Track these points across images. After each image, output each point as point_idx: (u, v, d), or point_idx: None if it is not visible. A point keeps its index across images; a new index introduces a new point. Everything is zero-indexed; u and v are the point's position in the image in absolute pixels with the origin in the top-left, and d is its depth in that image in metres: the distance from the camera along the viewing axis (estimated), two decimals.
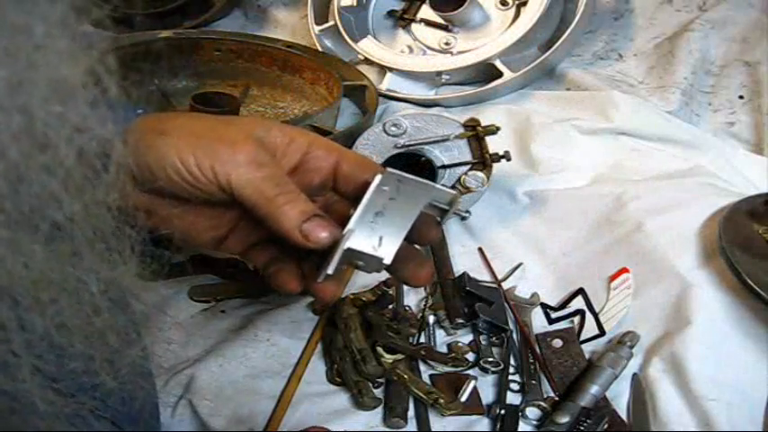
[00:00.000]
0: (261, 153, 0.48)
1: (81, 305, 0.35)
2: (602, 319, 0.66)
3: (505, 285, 0.71)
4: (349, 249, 0.45)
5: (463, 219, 0.76)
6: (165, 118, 0.49)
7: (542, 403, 0.58)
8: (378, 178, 0.47)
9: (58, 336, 0.34)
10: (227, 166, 0.46)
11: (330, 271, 0.46)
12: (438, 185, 0.49)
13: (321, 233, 0.46)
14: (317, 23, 1.06)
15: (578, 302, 0.68)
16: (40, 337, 0.34)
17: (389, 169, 0.47)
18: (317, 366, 0.61)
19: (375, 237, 0.46)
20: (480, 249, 0.76)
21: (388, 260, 0.46)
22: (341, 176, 0.51)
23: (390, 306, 0.66)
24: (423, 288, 0.69)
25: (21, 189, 0.31)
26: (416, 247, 0.53)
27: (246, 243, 0.53)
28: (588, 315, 0.67)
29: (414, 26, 1.05)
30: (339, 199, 0.54)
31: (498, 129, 0.75)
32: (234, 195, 0.46)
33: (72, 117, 0.32)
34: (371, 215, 0.46)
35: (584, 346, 0.64)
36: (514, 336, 0.65)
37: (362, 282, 0.71)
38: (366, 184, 0.48)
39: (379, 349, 0.61)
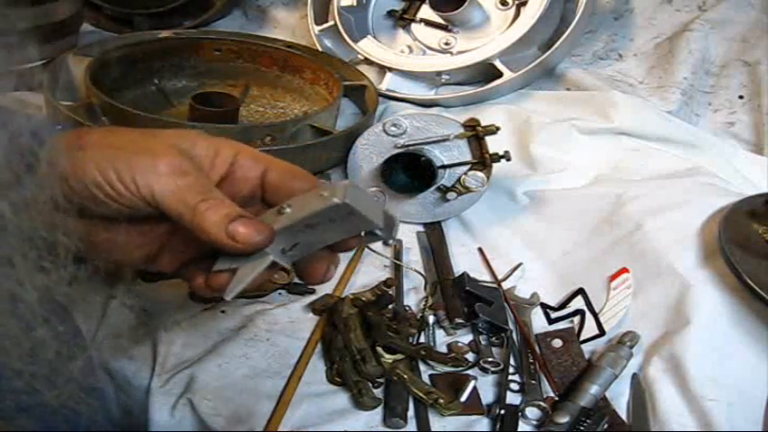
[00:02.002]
0: (183, 162, 0.46)
1: (15, 318, 0.34)
2: (601, 319, 0.66)
3: (505, 285, 0.71)
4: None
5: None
6: (83, 133, 0.48)
7: (542, 403, 0.58)
8: (333, 204, 0.44)
9: None
10: (148, 177, 0.45)
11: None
12: (383, 219, 0.47)
13: (250, 233, 0.45)
14: (317, 23, 1.06)
15: (578, 302, 0.68)
16: None
17: (345, 201, 0.43)
18: (317, 366, 0.61)
19: (290, 242, 0.46)
20: (480, 249, 0.76)
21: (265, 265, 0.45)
22: (269, 185, 0.50)
23: (390, 306, 0.66)
24: (423, 288, 0.69)
25: None
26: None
27: (180, 260, 0.52)
28: (588, 315, 0.67)
29: (414, 26, 1.05)
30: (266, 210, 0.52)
31: (498, 129, 0.75)
32: (159, 207, 0.45)
33: None
34: (303, 226, 0.45)
35: (584, 346, 0.64)
36: (514, 336, 0.65)
37: (362, 282, 0.71)
38: (296, 192, 0.47)
39: (379, 349, 0.61)
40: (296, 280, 0.69)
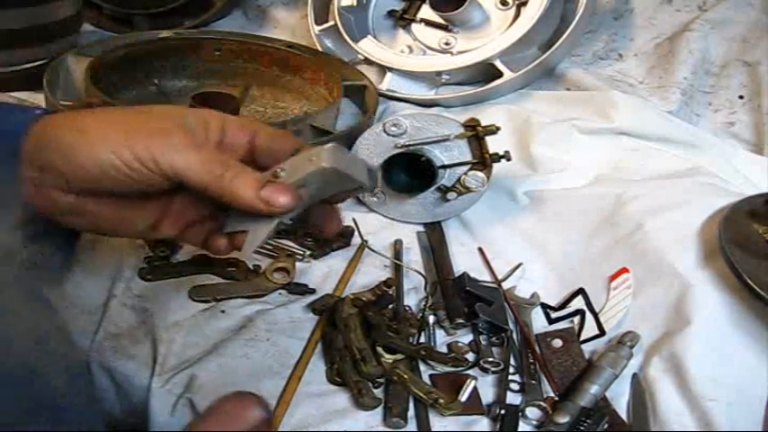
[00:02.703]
0: (194, 136, 0.48)
1: None
2: (602, 319, 0.66)
3: (505, 285, 0.71)
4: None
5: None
6: (79, 116, 0.49)
7: (542, 403, 0.58)
8: (321, 168, 0.48)
9: None
10: (168, 154, 0.46)
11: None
12: (367, 174, 0.51)
13: (281, 197, 0.47)
14: (317, 23, 1.07)
15: (578, 302, 0.68)
16: None
17: (332, 165, 0.48)
18: (317, 366, 0.61)
19: None
20: (480, 249, 0.76)
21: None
22: (258, 150, 0.52)
23: (390, 306, 0.66)
24: (423, 288, 0.69)
25: None
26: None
27: (181, 224, 0.53)
28: (588, 315, 0.67)
29: (414, 26, 1.05)
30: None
31: (498, 129, 0.75)
32: (181, 181, 0.47)
33: None
34: (297, 186, 0.48)
35: (584, 346, 0.64)
36: (514, 336, 0.65)
37: (363, 282, 0.71)
38: (284, 152, 0.50)
39: (379, 349, 0.61)
40: (296, 280, 0.70)
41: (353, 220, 0.76)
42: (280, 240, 0.74)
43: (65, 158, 0.45)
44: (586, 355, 0.63)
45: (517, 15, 0.98)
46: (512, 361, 0.63)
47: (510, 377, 0.61)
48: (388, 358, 0.60)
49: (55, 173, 0.45)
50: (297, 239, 0.74)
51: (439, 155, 0.77)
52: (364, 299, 0.65)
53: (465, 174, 0.76)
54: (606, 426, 0.56)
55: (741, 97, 0.94)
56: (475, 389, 0.58)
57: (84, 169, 0.45)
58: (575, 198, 0.80)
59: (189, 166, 0.46)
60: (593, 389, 0.58)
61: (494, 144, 0.76)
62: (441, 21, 1.02)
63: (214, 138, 0.51)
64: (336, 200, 0.54)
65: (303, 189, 0.48)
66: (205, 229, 0.53)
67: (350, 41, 1.02)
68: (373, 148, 0.78)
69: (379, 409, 0.57)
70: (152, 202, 0.52)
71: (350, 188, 0.51)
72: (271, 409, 0.45)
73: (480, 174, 0.75)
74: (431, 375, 0.61)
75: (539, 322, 0.68)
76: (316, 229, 0.54)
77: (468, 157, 0.77)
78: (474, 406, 0.58)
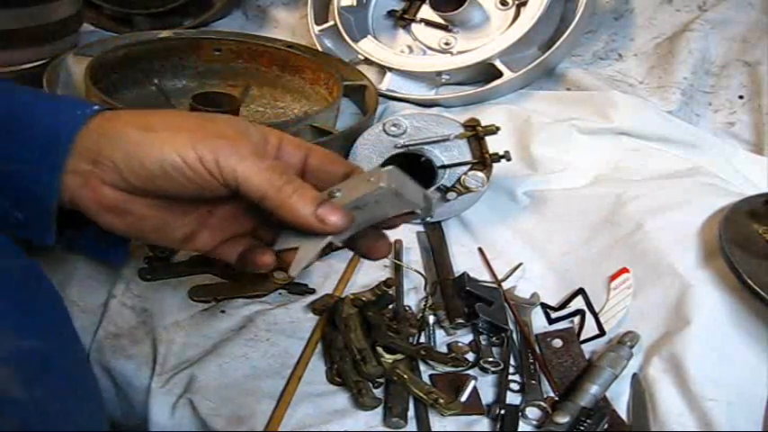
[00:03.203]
0: (257, 147, 0.49)
1: None
2: (602, 319, 0.66)
3: (505, 285, 0.71)
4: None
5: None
6: (144, 115, 0.49)
7: (542, 403, 0.58)
8: (379, 188, 0.48)
9: None
10: (231, 160, 0.46)
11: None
12: (423, 199, 0.51)
13: (334, 217, 0.47)
14: (317, 23, 1.06)
15: (578, 302, 0.68)
16: None
17: (391, 186, 0.48)
18: (317, 366, 0.61)
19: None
20: (480, 249, 0.76)
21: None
22: (310, 170, 0.52)
23: (390, 306, 0.66)
24: (423, 288, 0.69)
25: None
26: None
27: (217, 239, 0.53)
28: (588, 315, 0.67)
29: (414, 26, 1.05)
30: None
31: (498, 129, 0.75)
32: (239, 188, 0.46)
33: None
34: (352, 207, 0.48)
35: (584, 346, 0.64)
36: (514, 336, 0.65)
37: (363, 282, 0.71)
38: (335, 175, 0.51)
39: (379, 349, 0.61)
40: (296, 280, 0.70)
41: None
42: None
43: (127, 154, 0.45)
44: (586, 355, 0.63)
45: (517, 15, 0.98)
46: (512, 361, 0.63)
47: (510, 377, 0.61)
48: (388, 358, 0.60)
49: (111, 167, 0.45)
50: None
51: (439, 155, 0.77)
52: (364, 299, 0.65)
53: (465, 174, 0.76)
54: (606, 426, 0.56)
55: (741, 97, 0.94)
56: (475, 389, 0.58)
57: (143, 167, 0.45)
58: (575, 198, 0.80)
59: (251, 174, 0.46)
60: (593, 389, 0.58)
61: (494, 144, 0.76)
62: (441, 21, 1.02)
63: (272, 153, 0.51)
64: (388, 225, 0.53)
65: (358, 211, 0.48)
66: (241, 246, 0.53)
67: (350, 41, 1.02)
68: (373, 148, 0.78)
69: (379, 409, 0.57)
70: (195, 212, 0.51)
71: (404, 212, 0.50)
72: None
73: (480, 174, 0.75)
74: (431, 375, 0.61)
75: (539, 322, 0.68)
76: (362, 252, 0.53)
77: (468, 157, 0.77)
78: (474, 406, 0.58)
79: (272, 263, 0.51)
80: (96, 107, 0.48)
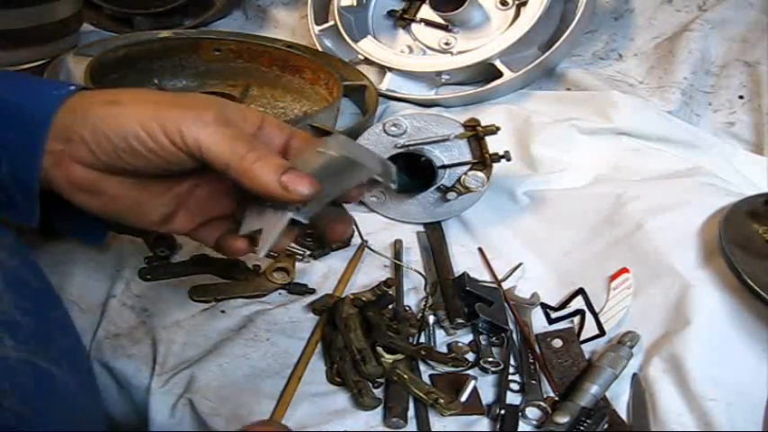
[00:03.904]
0: (224, 115, 0.47)
1: None
2: (602, 319, 0.66)
3: (505, 285, 0.71)
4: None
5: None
6: (113, 91, 0.48)
7: (542, 403, 0.58)
8: (330, 156, 0.47)
9: None
10: (194, 129, 0.45)
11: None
12: (380, 163, 0.50)
13: (299, 185, 0.46)
14: (317, 23, 1.07)
15: (578, 302, 0.68)
16: None
17: (342, 153, 0.47)
18: (317, 366, 0.61)
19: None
20: (480, 249, 0.76)
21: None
22: (292, 154, 0.51)
23: (390, 306, 0.66)
24: (423, 288, 0.69)
25: None
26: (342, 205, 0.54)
27: (196, 221, 0.53)
28: (588, 315, 0.67)
29: (414, 26, 1.05)
30: None
31: (498, 129, 0.75)
32: (203, 157, 0.46)
33: None
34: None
35: (584, 346, 0.64)
36: (514, 336, 0.65)
37: (363, 282, 0.71)
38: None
39: (379, 349, 0.61)
40: (296, 280, 0.70)
41: (353, 219, 0.76)
42: None
43: (93, 129, 0.45)
44: (586, 355, 0.63)
45: (517, 15, 0.98)
46: (512, 361, 0.63)
47: (510, 377, 0.61)
48: (388, 358, 0.60)
49: (81, 145, 0.45)
50: (297, 239, 0.74)
51: (439, 155, 0.77)
52: (364, 299, 0.65)
53: (465, 174, 0.76)
54: (606, 426, 0.56)
55: (741, 97, 0.94)
56: (475, 389, 0.58)
57: (109, 140, 0.45)
58: (575, 198, 0.80)
59: (214, 142, 0.45)
60: (594, 389, 0.58)
61: (494, 144, 0.76)
62: (441, 21, 1.02)
63: (249, 130, 0.50)
64: (348, 199, 0.52)
65: (323, 183, 0.47)
66: (220, 229, 0.52)
67: (350, 41, 1.02)
68: (373, 148, 0.78)
69: (379, 409, 0.57)
70: (171, 191, 0.51)
71: (363, 179, 0.49)
72: None
73: (480, 174, 0.75)
74: (431, 375, 0.61)
75: (539, 322, 0.68)
76: (324, 231, 0.53)
77: (468, 157, 0.77)
78: (474, 406, 0.58)
79: (244, 248, 0.50)
80: (73, 87, 0.47)
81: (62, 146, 0.45)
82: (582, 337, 0.65)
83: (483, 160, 0.76)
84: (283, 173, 0.46)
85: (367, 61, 1.02)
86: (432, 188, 0.76)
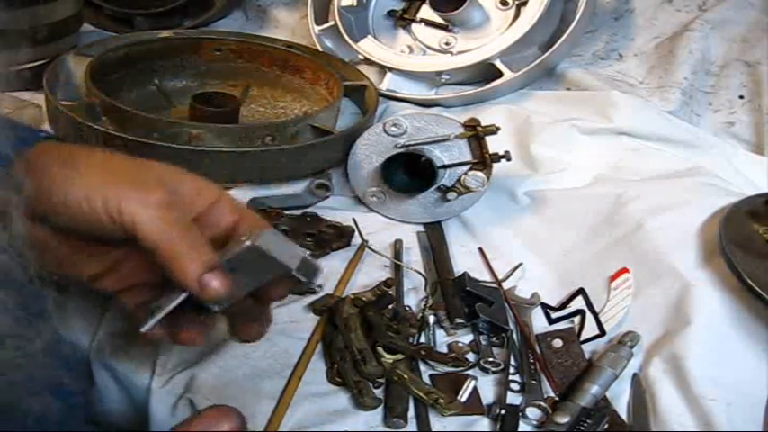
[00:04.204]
0: (170, 197, 0.47)
1: None
2: (602, 319, 0.66)
3: (505, 285, 0.71)
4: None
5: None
6: (75, 151, 0.49)
7: (542, 403, 0.58)
8: (246, 247, 0.47)
9: None
10: (133, 206, 0.45)
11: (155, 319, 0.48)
12: (294, 262, 0.49)
13: (218, 287, 0.46)
14: (317, 23, 1.06)
15: (578, 302, 0.68)
16: None
17: (256, 243, 0.47)
18: (317, 366, 0.61)
19: None
20: (480, 249, 0.76)
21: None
22: (236, 236, 0.51)
23: (390, 306, 0.66)
24: (423, 288, 0.69)
25: None
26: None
27: (123, 284, 0.53)
28: (588, 315, 0.67)
29: (414, 26, 1.05)
30: None
31: (498, 129, 0.75)
32: (135, 235, 0.46)
33: None
34: (228, 269, 0.47)
35: (584, 346, 0.64)
36: (515, 336, 0.65)
37: (363, 282, 0.71)
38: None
39: (379, 349, 0.61)
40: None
41: (353, 219, 0.76)
42: None
43: (40, 187, 0.45)
44: (587, 355, 0.63)
45: (517, 15, 0.98)
46: (512, 361, 0.63)
47: (510, 377, 0.61)
48: (388, 358, 0.60)
49: (27, 199, 0.44)
50: (297, 239, 0.74)
51: (439, 155, 0.77)
52: (364, 299, 0.65)
53: (465, 174, 0.76)
54: (606, 426, 0.56)
55: (741, 97, 0.94)
56: (475, 389, 0.58)
57: (50, 200, 0.45)
58: (575, 198, 0.80)
59: (148, 222, 0.45)
60: (594, 389, 0.58)
61: (494, 144, 0.76)
62: (441, 21, 1.02)
63: (200, 208, 0.50)
64: (266, 297, 0.53)
65: (235, 274, 0.47)
66: (143, 295, 0.52)
67: (350, 41, 1.02)
68: (373, 148, 0.79)
69: (380, 409, 0.57)
70: (103, 255, 0.51)
71: (278, 274, 0.49)
72: (245, 424, 0.45)
73: (480, 174, 0.75)
74: (431, 375, 0.61)
75: (539, 322, 0.68)
76: (234, 326, 0.53)
77: (468, 157, 0.77)
78: (474, 406, 0.58)
79: (163, 336, 0.51)
80: (42, 134, 0.48)
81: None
82: (582, 337, 0.65)
83: (483, 160, 0.76)
84: (207, 270, 0.46)
85: (367, 61, 1.02)
86: (432, 188, 0.76)
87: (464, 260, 0.75)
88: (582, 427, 0.55)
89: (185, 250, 0.46)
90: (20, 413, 0.41)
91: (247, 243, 0.46)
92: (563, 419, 0.56)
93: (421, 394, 0.57)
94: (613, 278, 0.69)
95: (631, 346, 0.62)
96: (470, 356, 0.63)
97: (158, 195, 0.47)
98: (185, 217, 0.48)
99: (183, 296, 0.47)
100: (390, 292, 0.66)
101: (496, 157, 0.75)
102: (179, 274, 0.46)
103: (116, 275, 0.52)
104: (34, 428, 0.41)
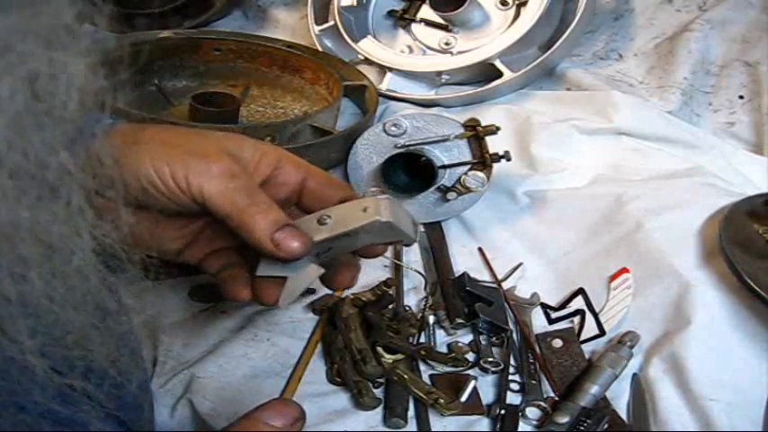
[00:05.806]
0: (233, 165, 0.49)
1: (69, 267, 0.35)
2: (602, 319, 0.66)
3: (505, 285, 0.71)
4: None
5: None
6: (138, 128, 0.50)
7: (542, 403, 0.58)
8: (375, 221, 0.47)
9: (46, 300, 0.34)
10: (200, 178, 0.47)
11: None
12: (413, 229, 0.50)
13: (293, 242, 0.47)
14: (317, 23, 1.06)
15: (578, 302, 0.68)
16: (25, 302, 0.33)
17: (389, 219, 0.47)
18: (317, 366, 0.61)
19: (325, 248, 0.49)
20: (480, 249, 0.76)
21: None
22: (307, 192, 0.53)
23: (390, 306, 0.66)
24: (423, 288, 0.69)
25: (19, 140, 0.30)
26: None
27: (204, 252, 0.54)
28: (588, 315, 0.67)
29: (414, 26, 1.05)
30: (299, 213, 0.55)
31: (498, 129, 0.75)
32: (206, 206, 0.47)
33: (70, 66, 0.32)
34: (342, 235, 0.48)
35: (584, 346, 0.64)
36: (514, 336, 0.65)
37: (363, 282, 0.71)
38: (333, 199, 0.51)
39: (379, 349, 0.61)
40: None
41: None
42: None
43: (114, 168, 0.45)
44: (586, 355, 0.63)
45: (517, 15, 0.98)
46: (512, 361, 0.63)
47: (510, 377, 0.61)
48: (388, 358, 0.60)
49: (105, 179, 0.46)
50: None
51: (439, 155, 0.77)
52: (364, 299, 0.65)
53: (465, 174, 0.76)
54: (606, 426, 0.56)
55: (741, 97, 0.94)
56: (475, 389, 0.58)
57: (122, 180, 0.46)
58: (575, 198, 0.80)
59: (215, 193, 0.47)
60: (594, 389, 0.58)
61: (494, 144, 0.76)
62: (441, 21, 1.02)
63: (265, 171, 0.52)
64: (370, 253, 0.53)
65: (345, 238, 0.48)
66: (224, 259, 0.53)
67: (350, 41, 1.01)
68: (373, 148, 0.79)
69: (379, 409, 0.57)
70: (186, 227, 0.52)
71: (393, 241, 0.50)
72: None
73: (480, 174, 0.75)
74: (431, 375, 0.61)
75: (539, 322, 0.68)
76: (329, 276, 0.53)
77: (468, 157, 0.77)
78: (474, 406, 0.58)
79: (247, 297, 0.51)
80: (110, 120, 0.48)
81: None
82: (582, 337, 0.65)
83: (483, 160, 0.76)
84: (278, 230, 0.47)
85: (367, 61, 1.02)
86: (432, 188, 0.76)
87: (464, 260, 0.75)
88: (582, 427, 0.56)
89: (255, 213, 0.47)
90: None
91: (378, 217, 0.46)
92: (563, 419, 0.56)
93: (421, 394, 0.57)
94: (613, 278, 0.69)
95: (631, 346, 0.62)
96: (470, 356, 0.63)
97: (223, 164, 0.48)
98: (251, 182, 0.49)
99: (316, 271, 0.48)
100: (390, 292, 0.67)
101: (496, 157, 0.75)
102: (252, 239, 0.47)
103: (197, 245, 0.54)
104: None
